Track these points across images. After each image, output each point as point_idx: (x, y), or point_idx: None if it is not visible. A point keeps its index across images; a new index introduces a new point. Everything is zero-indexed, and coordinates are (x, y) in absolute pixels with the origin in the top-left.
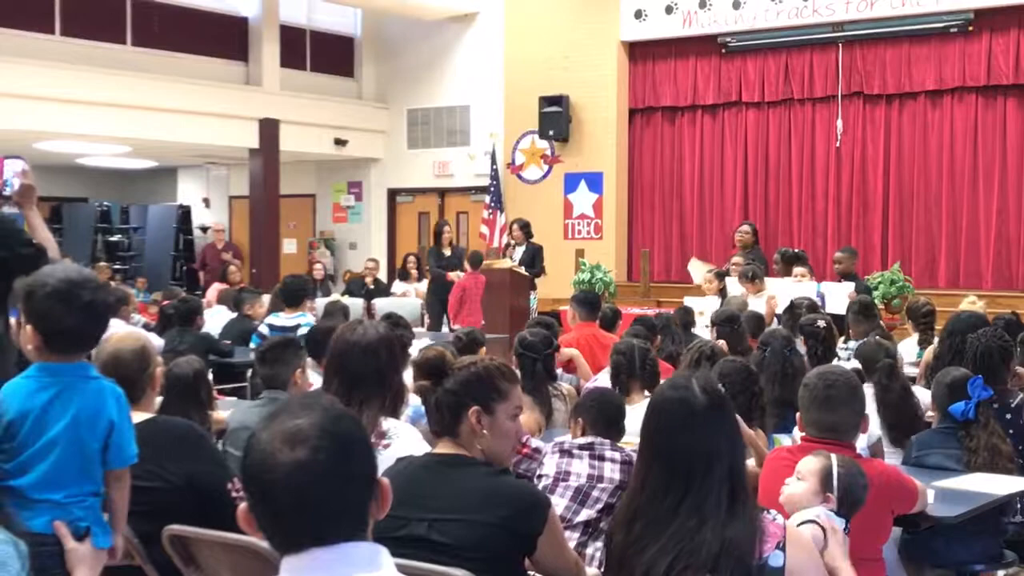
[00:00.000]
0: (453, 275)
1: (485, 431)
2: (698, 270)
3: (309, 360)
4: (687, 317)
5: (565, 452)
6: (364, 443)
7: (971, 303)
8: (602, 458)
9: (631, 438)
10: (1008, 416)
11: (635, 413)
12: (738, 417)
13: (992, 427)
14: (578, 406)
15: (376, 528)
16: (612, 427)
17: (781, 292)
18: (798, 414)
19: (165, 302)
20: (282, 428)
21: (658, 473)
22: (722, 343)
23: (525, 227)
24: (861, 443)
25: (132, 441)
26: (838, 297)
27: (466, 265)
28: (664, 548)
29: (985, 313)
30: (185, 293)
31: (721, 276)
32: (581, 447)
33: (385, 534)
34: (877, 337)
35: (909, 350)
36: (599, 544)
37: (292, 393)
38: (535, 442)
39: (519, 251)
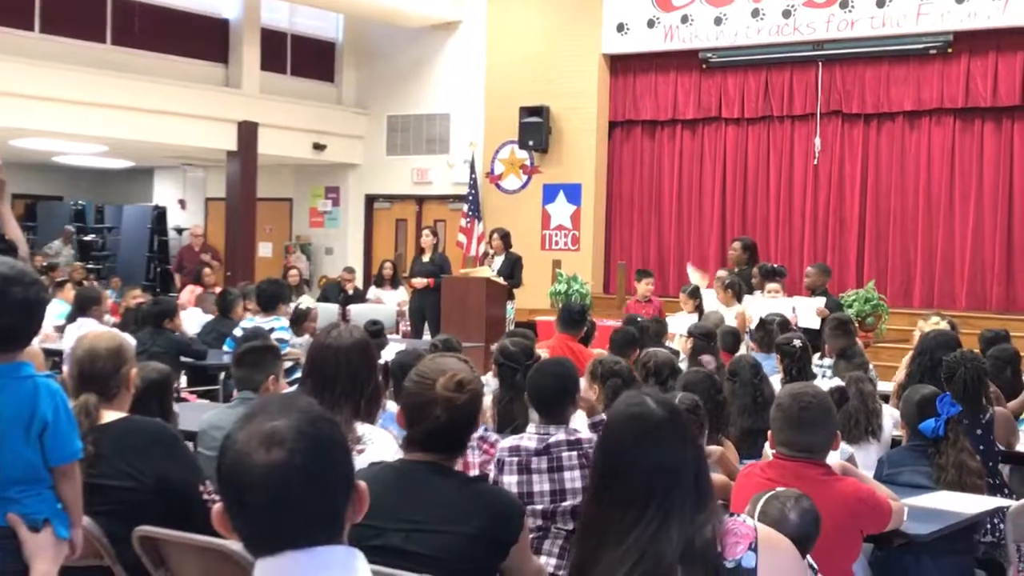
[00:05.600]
0: (416, 281)
1: None
2: (694, 276)
3: None
4: (659, 328)
5: (524, 468)
6: (341, 446)
7: (935, 324)
8: (560, 468)
9: None
10: (979, 432)
11: None
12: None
13: (961, 444)
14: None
15: (351, 537)
16: (556, 404)
17: (754, 307)
18: (769, 432)
19: (135, 301)
20: (259, 429)
21: (618, 492)
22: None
23: (505, 237)
24: (835, 459)
25: (73, 437)
26: (807, 311)
27: None
28: (626, 553)
29: (951, 331)
30: (152, 294)
31: (695, 293)
32: (538, 453)
33: (360, 543)
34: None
35: None
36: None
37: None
38: (497, 439)
39: (498, 261)
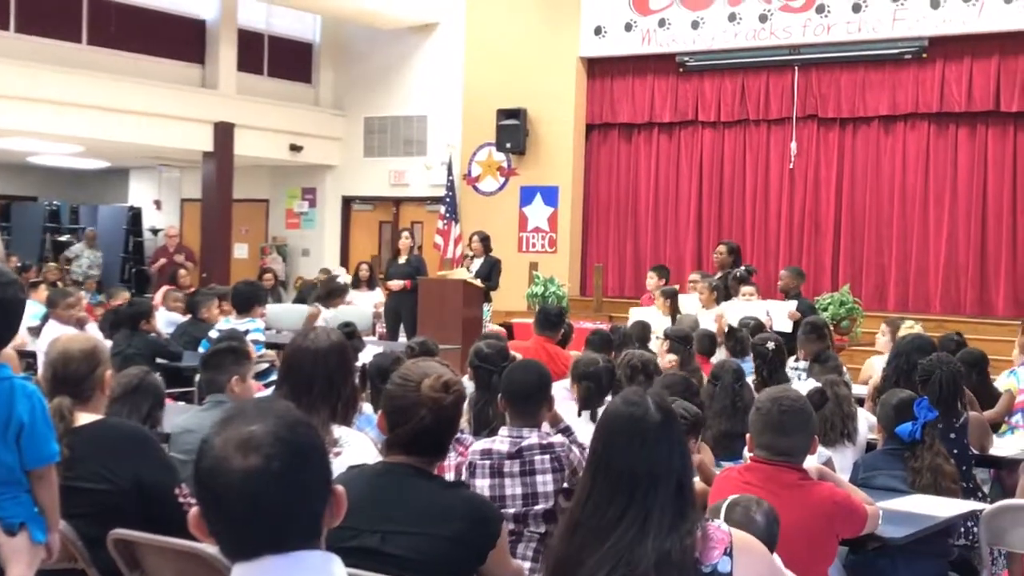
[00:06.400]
0: (393, 284)
1: None
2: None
3: None
4: (643, 332)
5: (496, 472)
6: (318, 450)
7: (909, 327)
8: (532, 471)
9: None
10: (953, 436)
11: None
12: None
13: (937, 447)
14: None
15: (327, 538)
16: (531, 401)
17: (731, 311)
18: (748, 435)
19: (118, 303)
20: (235, 434)
21: (602, 486)
22: (673, 357)
23: (485, 240)
24: (812, 462)
25: (49, 439)
26: (779, 315)
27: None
28: (603, 558)
29: (927, 335)
30: (132, 295)
31: (670, 295)
32: (510, 456)
33: (336, 544)
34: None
35: None
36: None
37: (231, 399)
38: (472, 442)
39: (477, 263)
